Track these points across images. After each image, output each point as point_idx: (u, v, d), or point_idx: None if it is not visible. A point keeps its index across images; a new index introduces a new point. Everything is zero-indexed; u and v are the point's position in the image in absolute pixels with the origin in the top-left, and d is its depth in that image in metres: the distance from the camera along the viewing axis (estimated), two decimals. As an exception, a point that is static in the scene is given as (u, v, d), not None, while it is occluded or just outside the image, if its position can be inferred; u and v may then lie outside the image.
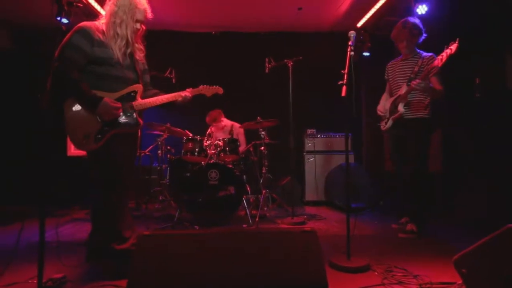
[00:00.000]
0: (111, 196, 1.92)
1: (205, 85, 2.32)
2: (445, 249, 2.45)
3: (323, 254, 1.47)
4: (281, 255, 1.32)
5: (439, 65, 2.46)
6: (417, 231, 2.75)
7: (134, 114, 1.98)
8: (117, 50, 1.91)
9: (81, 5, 3.78)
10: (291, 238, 1.34)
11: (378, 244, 2.63)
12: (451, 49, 2.40)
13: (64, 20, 2.88)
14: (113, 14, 1.90)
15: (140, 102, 1.99)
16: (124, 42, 1.93)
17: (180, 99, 2.12)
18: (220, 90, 2.39)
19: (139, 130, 2.15)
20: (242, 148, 4.13)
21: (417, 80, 2.56)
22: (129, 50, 1.98)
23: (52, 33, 1.70)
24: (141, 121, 2.03)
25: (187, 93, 2.16)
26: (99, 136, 1.86)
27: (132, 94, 1.97)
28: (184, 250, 1.26)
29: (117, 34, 1.91)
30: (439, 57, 2.47)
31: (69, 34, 1.85)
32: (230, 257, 1.28)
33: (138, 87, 2.01)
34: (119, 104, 1.88)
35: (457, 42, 2.38)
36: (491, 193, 3.19)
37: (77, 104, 1.85)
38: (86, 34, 1.85)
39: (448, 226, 3.22)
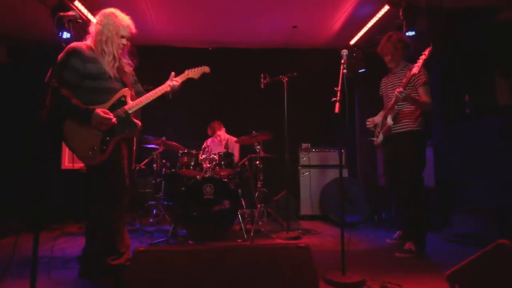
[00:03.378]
0: (112, 209, 1.93)
1: (190, 69, 2.28)
2: (439, 265, 2.45)
3: (318, 270, 1.47)
4: (276, 271, 1.32)
5: (416, 72, 2.46)
6: (416, 250, 2.61)
7: (130, 117, 2.03)
8: (106, 65, 2.01)
9: (81, 21, 3.84)
10: (285, 254, 1.34)
11: (373, 259, 2.63)
12: (425, 54, 2.40)
13: (66, 36, 2.95)
14: (99, 33, 2.01)
15: (131, 104, 2.04)
16: (111, 57, 2.03)
17: (169, 89, 2.14)
18: (206, 69, 2.30)
19: (134, 142, 2.20)
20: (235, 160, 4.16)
21: (399, 89, 2.52)
22: (116, 64, 2.08)
23: (51, 48, 1.74)
24: (139, 123, 2.07)
25: (174, 82, 2.17)
26: (104, 147, 1.91)
27: (122, 99, 2.03)
28: (178, 266, 1.25)
29: (104, 51, 2.01)
30: (416, 64, 2.45)
31: (62, 55, 1.93)
32: (225, 273, 1.28)
33: (126, 91, 2.06)
34: (109, 113, 1.93)
35: (430, 47, 2.40)
36: (485, 209, 3.22)
37: (73, 121, 1.90)
38: (79, 53, 1.94)
39: (442, 242, 3.24)
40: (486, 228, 3.13)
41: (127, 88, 2.08)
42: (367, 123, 3.02)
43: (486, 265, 1.44)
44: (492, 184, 3.27)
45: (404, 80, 2.57)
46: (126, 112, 2.00)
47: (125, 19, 2.07)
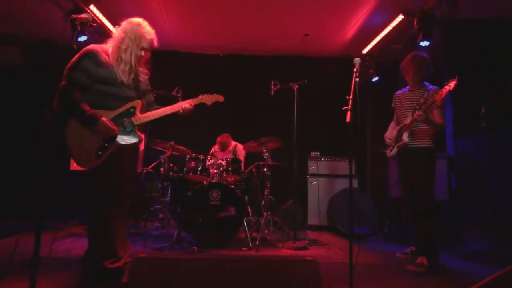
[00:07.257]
0: (110, 212, 1.91)
1: (205, 94, 2.30)
2: (452, 282, 2.35)
3: (324, 283, 1.41)
4: (281, 284, 1.27)
5: (439, 100, 2.57)
6: (428, 265, 2.58)
7: (135, 129, 2.02)
8: (120, 73, 1.99)
9: (95, 24, 3.91)
10: (291, 267, 1.28)
11: (382, 274, 2.54)
12: (449, 85, 2.47)
13: (82, 39, 2.97)
14: (120, 41, 2.00)
15: (139, 116, 2.04)
16: (128, 67, 2.01)
17: (181, 110, 2.14)
18: (220, 98, 2.34)
19: (142, 146, 2.20)
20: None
21: (419, 112, 2.65)
22: (132, 75, 2.05)
23: (63, 50, 1.75)
24: (142, 135, 2.07)
25: (187, 104, 2.16)
26: (100, 152, 1.90)
27: (131, 110, 2.03)
28: (179, 275, 1.21)
29: (121, 59, 1.99)
30: (439, 92, 2.55)
31: (77, 56, 1.93)
32: (227, 284, 1.24)
33: (137, 103, 2.06)
34: (114, 125, 1.93)
35: (456, 79, 2.47)
36: (500, 226, 3.09)
37: (78, 123, 1.89)
38: (93, 57, 1.94)
39: (456, 258, 3.11)
40: (501, 246, 2.99)
41: (139, 100, 2.07)
42: (386, 140, 3.12)
43: (506, 286, 1.35)
44: (508, 200, 3.15)
45: (421, 100, 2.77)
46: (132, 123, 2.00)
47: (149, 32, 2.05)
